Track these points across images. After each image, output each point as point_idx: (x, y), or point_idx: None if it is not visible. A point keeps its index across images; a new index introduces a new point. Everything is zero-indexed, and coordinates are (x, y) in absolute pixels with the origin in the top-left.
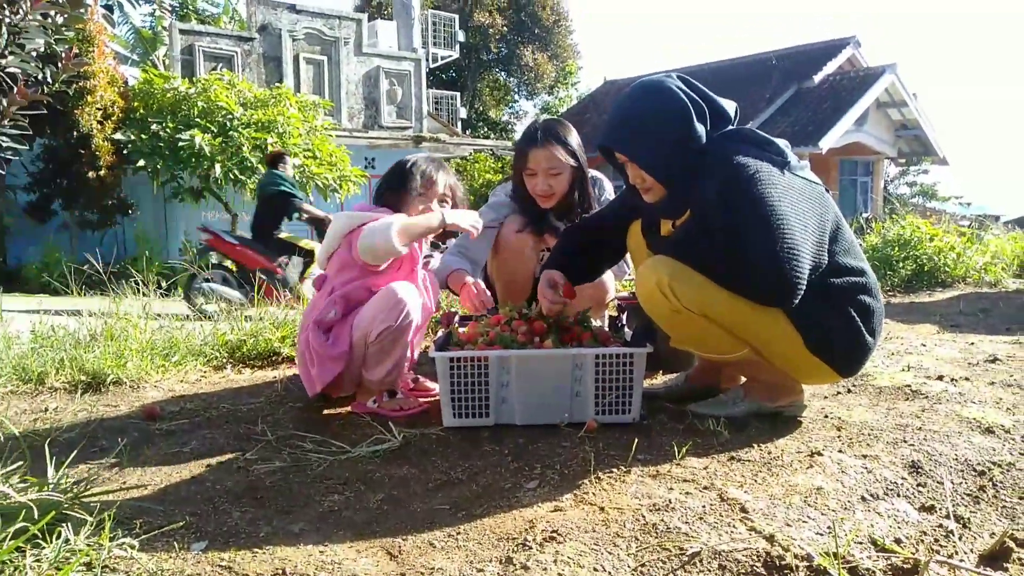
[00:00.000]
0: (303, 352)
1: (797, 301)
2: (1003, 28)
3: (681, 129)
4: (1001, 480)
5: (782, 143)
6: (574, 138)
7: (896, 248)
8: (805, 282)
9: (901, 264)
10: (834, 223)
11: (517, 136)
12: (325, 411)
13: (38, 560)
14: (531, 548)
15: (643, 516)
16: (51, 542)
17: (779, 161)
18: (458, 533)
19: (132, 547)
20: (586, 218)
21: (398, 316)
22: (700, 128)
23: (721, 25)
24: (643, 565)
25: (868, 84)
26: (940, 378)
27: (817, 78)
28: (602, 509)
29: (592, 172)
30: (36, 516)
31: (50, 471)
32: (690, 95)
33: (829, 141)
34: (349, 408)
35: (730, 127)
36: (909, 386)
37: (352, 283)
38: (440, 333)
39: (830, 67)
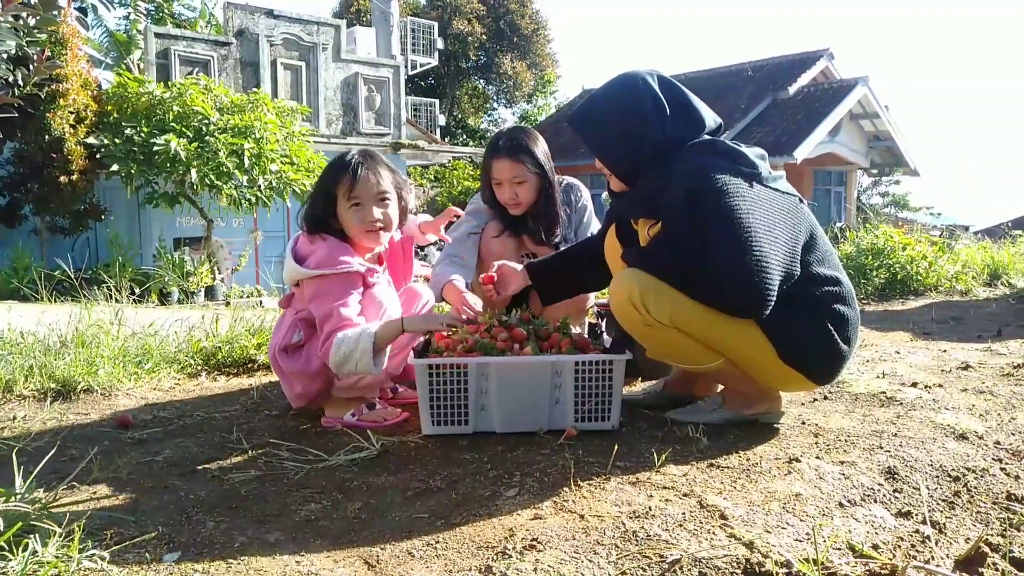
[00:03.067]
0: (279, 373)
1: (767, 312)
2: (972, 44)
3: (632, 121)
4: (975, 486)
5: (756, 154)
6: (539, 146)
7: (870, 257)
8: (774, 293)
9: (875, 273)
10: (808, 233)
11: (484, 158)
12: (302, 419)
13: (4, 573)
14: (511, 556)
15: (623, 523)
16: (18, 554)
17: (748, 173)
18: (437, 542)
19: (103, 559)
20: (583, 241)
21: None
22: (656, 125)
23: (697, 36)
24: (623, 573)
25: (841, 96)
26: (914, 385)
27: (792, 89)
28: (582, 517)
29: (568, 179)
30: (2, 528)
31: (18, 481)
32: (656, 94)
33: (803, 151)
34: (322, 422)
35: (704, 137)
36: (884, 393)
37: (309, 310)
38: (419, 340)
39: (804, 79)
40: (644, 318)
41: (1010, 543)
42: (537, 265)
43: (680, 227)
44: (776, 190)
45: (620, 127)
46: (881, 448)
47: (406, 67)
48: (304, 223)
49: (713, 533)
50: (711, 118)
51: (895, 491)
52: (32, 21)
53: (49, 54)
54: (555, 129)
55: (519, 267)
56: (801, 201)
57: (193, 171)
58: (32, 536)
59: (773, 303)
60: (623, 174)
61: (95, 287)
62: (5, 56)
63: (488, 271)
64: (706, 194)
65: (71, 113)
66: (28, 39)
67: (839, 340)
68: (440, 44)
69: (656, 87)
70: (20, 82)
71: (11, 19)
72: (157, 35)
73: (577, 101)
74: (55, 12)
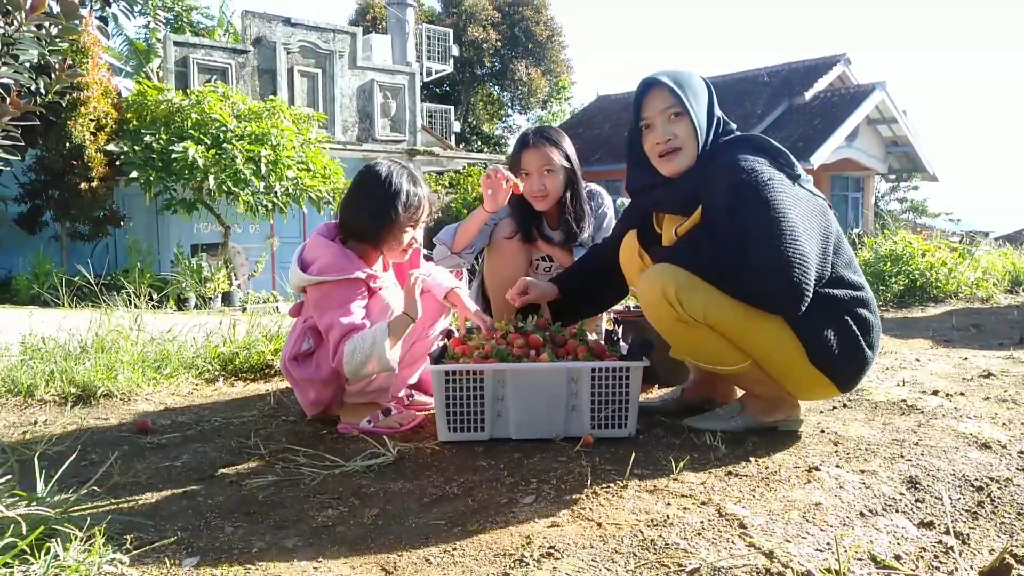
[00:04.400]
0: (292, 382)
1: (803, 308)
2: (992, 48)
3: (709, 96)
4: (999, 496)
5: (791, 155)
6: (567, 142)
7: (888, 263)
8: (812, 289)
9: (894, 279)
10: (836, 236)
11: (511, 150)
12: (318, 425)
13: None
14: (528, 564)
15: (641, 532)
16: (40, 558)
17: (790, 172)
18: (454, 549)
19: (123, 563)
20: (597, 246)
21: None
22: (718, 115)
23: (713, 42)
24: None
25: (859, 101)
26: (935, 393)
27: (808, 94)
28: (599, 525)
29: (591, 185)
30: (25, 531)
31: (39, 485)
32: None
33: (820, 157)
34: (338, 428)
35: (741, 133)
36: (905, 401)
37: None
38: (435, 346)
39: (821, 84)
40: (678, 314)
41: None
42: (564, 277)
43: (722, 217)
44: (810, 191)
45: (706, 100)
46: (902, 457)
47: (421, 74)
48: (349, 230)
49: (732, 542)
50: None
51: (917, 501)
52: (54, 30)
53: (70, 63)
54: (570, 135)
55: (541, 284)
56: (830, 206)
57: (211, 178)
58: (54, 540)
59: (809, 301)
60: (703, 143)
61: (114, 293)
62: (28, 65)
63: (497, 268)
64: (750, 187)
65: (91, 121)
66: (50, 48)
67: (864, 345)
68: (455, 51)
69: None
70: (42, 90)
71: (34, 28)
72: (176, 43)
73: (592, 107)
74: (77, 22)
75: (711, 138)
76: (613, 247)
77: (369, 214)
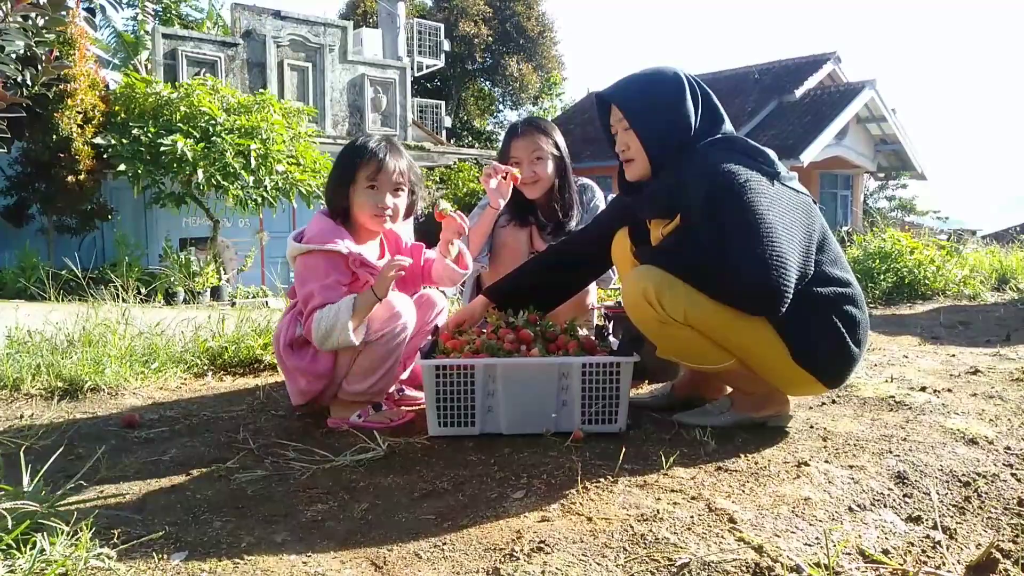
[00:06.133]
0: (283, 368)
1: (783, 309)
2: (981, 47)
3: (674, 105)
4: (986, 491)
5: (771, 154)
6: (556, 132)
7: (877, 261)
8: (792, 290)
9: (882, 277)
10: (820, 233)
11: (501, 143)
12: (308, 420)
13: (12, 571)
14: (518, 559)
15: (631, 526)
16: (25, 552)
17: (769, 171)
18: (444, 543)
19: (110, 557)
20: (572, 234)
21: (394, 330)
22: (691, 109)
23: (704, 39)
24: None
25: (848, 99)
26: (923, 389)
27: (798, 92)
28: (590, 519)
29: (583, 179)
30: (10, 525)
31: (25, 479)
32: (693, 87)
33: (810, 155)
34: (327, 423)
35: (722, 133)
36: (893, 397)
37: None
38: (426, 341)
39: (811, 82)
40: (658, 315)
41: (1022, 549)
42: (496, 288)
43: (700, 223)
44: (792, 189)
45: (664, 107)
46: (890, 452)
47: (412, 69)
48: (330, 206)
49: (722, 537)
50: (728, 122)
51: (905, 496)
52: (41, 21)
53: (57, 54)
54: (561, 131)
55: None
56: (814, 202)
57: (199, 171)
58: (40, 534)
59: (789, 301)
60: (654, 156)
61: (102, 287)
62: (14, 56)
63: (500, 265)
64: (728, 190)
65: (79, 113)
66: (37, 39)
67: (850, 342)
68: (446, 46)
69: (687, 74)
70: (28, 82)
71: (20, 19)
72: (164, 36)
73: (583, 103)
74: (63, 12)
75: (683, 140)
76: (597, 237)
77: (335, 180)
